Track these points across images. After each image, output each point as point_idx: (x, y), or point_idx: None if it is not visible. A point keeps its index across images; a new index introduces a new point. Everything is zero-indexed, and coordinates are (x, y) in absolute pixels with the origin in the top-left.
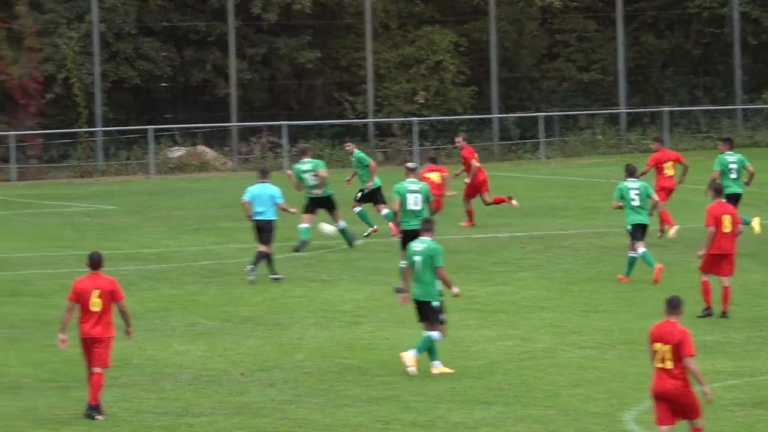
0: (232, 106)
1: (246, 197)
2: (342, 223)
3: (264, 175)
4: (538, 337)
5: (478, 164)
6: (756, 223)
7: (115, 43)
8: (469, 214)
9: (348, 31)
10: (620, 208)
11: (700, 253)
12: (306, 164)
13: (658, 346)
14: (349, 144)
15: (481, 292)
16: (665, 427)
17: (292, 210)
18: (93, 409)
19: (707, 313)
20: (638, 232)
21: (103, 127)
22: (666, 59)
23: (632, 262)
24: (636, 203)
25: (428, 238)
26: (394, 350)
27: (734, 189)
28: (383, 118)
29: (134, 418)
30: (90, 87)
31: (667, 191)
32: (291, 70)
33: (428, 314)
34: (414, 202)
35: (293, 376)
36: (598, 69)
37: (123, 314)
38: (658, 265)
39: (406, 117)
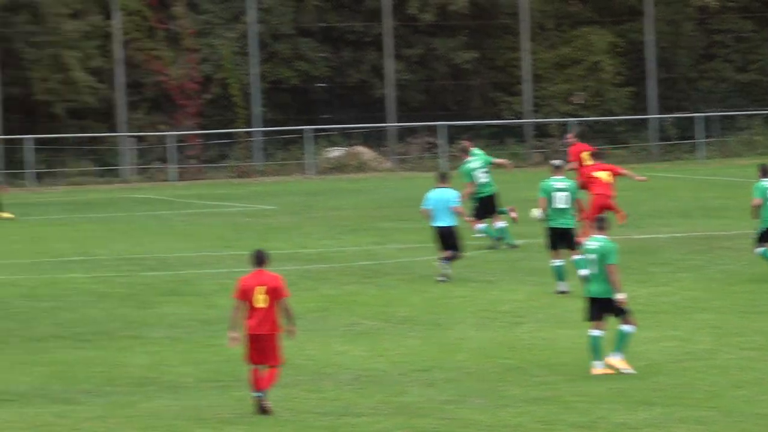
0: (389, 106)
1: (425, 205)
2: (500, 224)
3: (443, 179)
4: (699, 338)
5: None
6: None
7: (273, 44)
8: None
9: (504, 32)
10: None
11: None
12: (475, 161)
13: None
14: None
15: (642, 293)
16: None
17: (468, 217)
18: (264, 393)
19: None
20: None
21: (261, 127)
22: None
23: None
24: None
25: (603, 236)
26: (554, 350)
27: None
28: (541, 118)
29: (296, 418)
30: (247, 87)
31: None
32: (448, 70)
33: (614, 310)
34: (561, 201)
35: (453, 376)
36: (756, 69)
37: (286, 312)
38: None
39: (563, 117)
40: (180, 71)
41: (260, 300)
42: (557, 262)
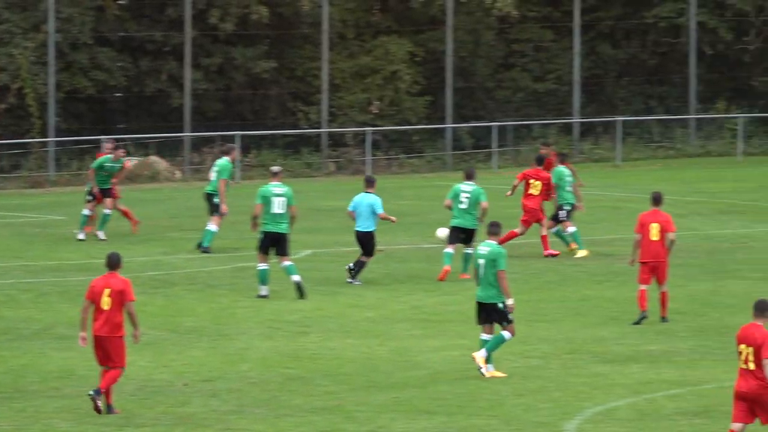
0: (186, 116)
1: (351, 207)
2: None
3: (369, 184)
4: None
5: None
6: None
7: (71, 53)
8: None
9: (305, 41)
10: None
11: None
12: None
13: (742, 347)
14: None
15: (428, 302)
16: (738, 425)
17: (393, 218)
18: (98, 393)
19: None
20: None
21: (56, 137)
22: (622, 69)
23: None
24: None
25: (494, 242)
26: (339, 360)
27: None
28: (337, 128)
29: (76, 429)
30: (44, 97)
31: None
32: (246, 80)
33: (495, 317)
34: (277, 206)
35: (237, 387)
36: (554, 79)
37: (131, 317)
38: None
39: (359, 127)
40: None
41: (105, 302)
42: (263, 266)
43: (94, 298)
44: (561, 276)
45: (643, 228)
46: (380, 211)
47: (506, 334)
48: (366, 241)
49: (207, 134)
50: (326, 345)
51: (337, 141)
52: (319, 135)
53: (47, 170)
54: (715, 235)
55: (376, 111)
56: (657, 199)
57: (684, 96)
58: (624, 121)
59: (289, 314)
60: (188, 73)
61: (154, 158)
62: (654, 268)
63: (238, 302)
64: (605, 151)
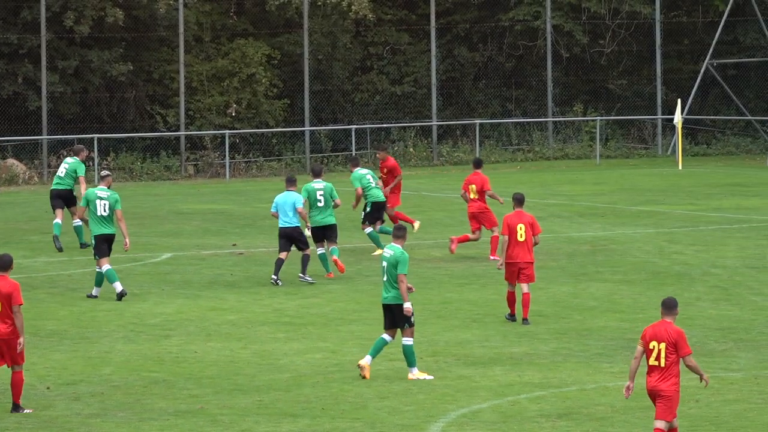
0: (44, 119)
1: (273, 209)
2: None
3: (291, 183)
4: (347, 349)
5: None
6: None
7: None
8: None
9: (161, 44)
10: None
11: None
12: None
13: (653, 344)
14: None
15: (290, 305)
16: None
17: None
18: (17, 407)
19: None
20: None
21: None
22: (479, 72)
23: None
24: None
25: (398, 245)
26: (202, 363)
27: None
28: (195, 131)
29: None
30: None
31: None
32: (103, 82)
33: (401, 320)
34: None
35: (100, 390)
36: (411, 82)
37: (15, 320)
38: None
39: (217, 130)
40: None
41: None
42: (105, 268)
43: None
44: (423, 279)
45: (510, 230)
46: (300, 206)
47: (406, 339)
48: (296, 236)
49: (65, 137)
50: (189, 348)
51: (195, 144)
52: (177, 138)
53: None
54: (575, 237)
55: (234, 114)
56: (520, 200)
57: (541, 99)
58: (481, 124)
59: (151, 317)
60: (44, 76)
61: (11, 161)
62: (521, 269)
63: (99, 305)
64: (464, 154)
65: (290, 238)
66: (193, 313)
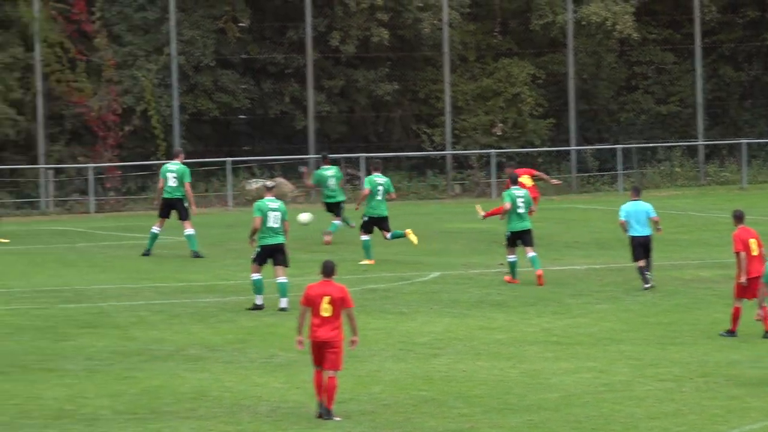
0: (310, 138)
1: (622, 216)
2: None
3: (636, 192)
4: (616, 369)
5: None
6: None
7: (194, 76)
8: None
9: (426, 64)
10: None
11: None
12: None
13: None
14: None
15: (559, 324)
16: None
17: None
18: (328, 412)
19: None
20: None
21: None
22: (744, 91)
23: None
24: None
25: None
26: (471, 382)
27: None
28: (461, 150)
29: None
30: (168, 119)
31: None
32: (369, 102)
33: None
34: (273, 220)
35: (370, 409)
36: (677, 101)
37: (350, 321)
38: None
39: (483, 149)
40: (101, 103)
41: (326, 309)
42: (256, 276)
43: (311, 305)
44: (692, 299)
45: (744, 245)
46: (654, 215)
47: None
48: (647, 244)
49: (332, 156)
50: (457, 367)
51: (461, 163)
52: (443, 157)
53: None
54: None
55: (500, 133)
56: (740, 217)
57: None
58: (749, 144)
59: (419, 336)
60: (311, 95)
61: (280, 179)
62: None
63: (368, 324)
64: (731, 173)
65: (644, 246)
66: (461, 332)
